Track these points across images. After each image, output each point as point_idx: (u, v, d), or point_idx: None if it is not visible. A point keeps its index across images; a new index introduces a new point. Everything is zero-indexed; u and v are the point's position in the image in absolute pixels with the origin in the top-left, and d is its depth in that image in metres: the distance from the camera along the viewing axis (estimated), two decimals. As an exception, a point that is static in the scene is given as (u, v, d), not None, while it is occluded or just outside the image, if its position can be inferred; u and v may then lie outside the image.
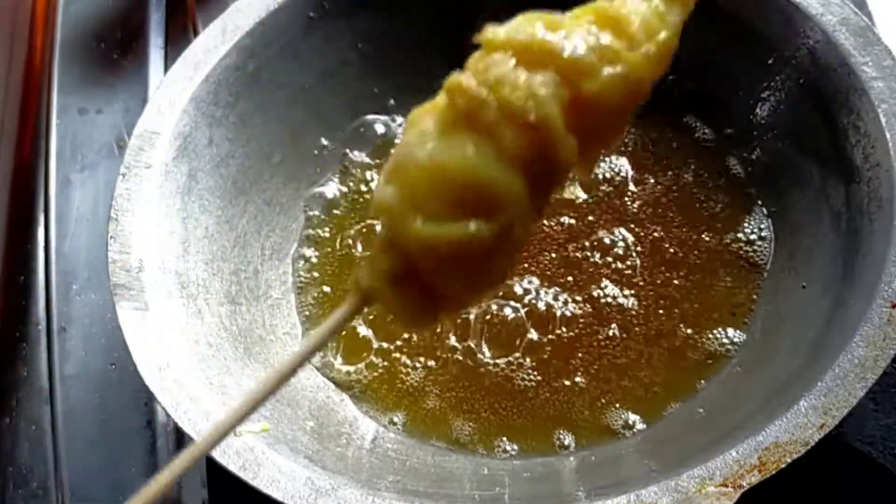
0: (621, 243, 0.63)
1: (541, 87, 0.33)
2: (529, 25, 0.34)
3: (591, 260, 0.63)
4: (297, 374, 0.35)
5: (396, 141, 0.70)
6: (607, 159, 0.67)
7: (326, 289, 0.64)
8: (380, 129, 0.70)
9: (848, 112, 0.56)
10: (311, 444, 0.52)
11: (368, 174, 0.69)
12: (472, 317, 0.61)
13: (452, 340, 0.60)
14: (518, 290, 0.61)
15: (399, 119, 0.71)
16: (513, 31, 0.34)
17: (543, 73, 0.33)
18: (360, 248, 0.65)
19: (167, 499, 0.61)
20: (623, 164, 0.67)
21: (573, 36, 0.34)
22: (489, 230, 0.32)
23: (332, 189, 0.68)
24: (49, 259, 0.71)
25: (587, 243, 0.63)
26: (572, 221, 0.64)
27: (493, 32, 0.34)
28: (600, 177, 0.66)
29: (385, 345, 0.61)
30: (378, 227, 0.66)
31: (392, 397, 0.59)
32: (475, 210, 0.32)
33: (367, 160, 0.69)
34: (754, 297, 0.60)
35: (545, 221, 0.64)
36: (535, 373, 0.59)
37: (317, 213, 0.67)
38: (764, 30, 0.61)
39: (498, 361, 0.59)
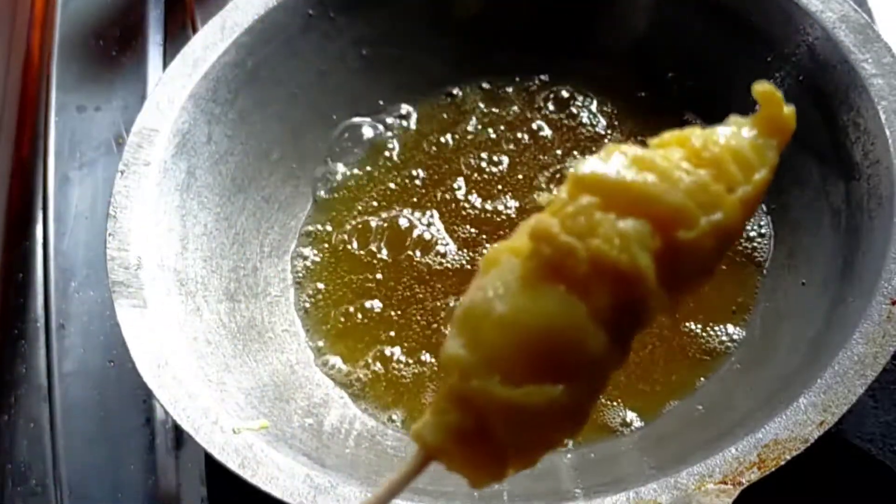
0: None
1: (634, 238, 0.30)
2: (620, 163, 0.31)
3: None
4: None
5: (392, 141, 0.70)
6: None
7: (325, 286, 0.64)
8: (380, 127, 0.70)
9: (848, 109, 0.56)
10: (310, 442, 0.52)
11: (367, 174, 0.69)
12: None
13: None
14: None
15: (397, 117, 0.70)
16: (602, 170, 0.31)
17: (636, 220, 0.30)
18: (355, 244, 0.65)
19: (167, 497, 0.61)
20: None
21: (669, 179, 0.31)
22: (573, 393, 0.30)
23: (332, 189, 0.68)
24: (48, 256, 0.71)
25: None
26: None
27: (583, 170, 0.31)
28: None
29: (385, 343, 0.61)
30: (374, 223, 0.66)
31: (391, 395, 0.59)
32: (559, 372, 0.30)
33: (367, 158, 0.69)
34: (754, 294, 0.60)
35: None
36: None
37: (317, 215, 0.67)
38: (764, 27, 0.61)
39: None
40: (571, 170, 0.31)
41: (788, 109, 0.34)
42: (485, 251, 0.63)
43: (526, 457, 0.32)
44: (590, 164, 0.31)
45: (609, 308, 0.30)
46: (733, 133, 0.33)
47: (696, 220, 0.31)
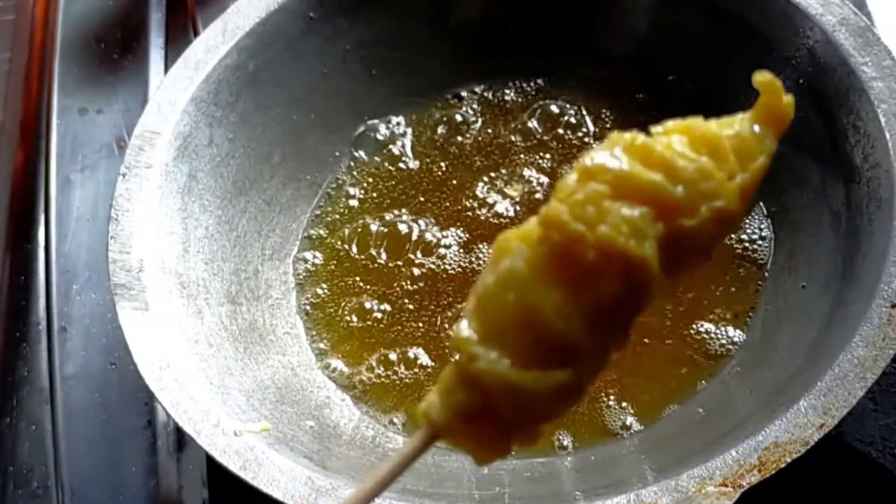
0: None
1: (640, 226, 0.31)
2: (626, 153, 0.32)
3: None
4: None
5: (392, 144, 0.70)
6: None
7: (327, 289, 0.64)
8: (380, 130, 0.70)
9: (847, 112, 0.56)
10: (312, 444, 0.52)
11: (368, 176, 0.69)
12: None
13: (452, 340, 0.60)
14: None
15: (398, 120, 0.71)
16: (609, 160, 0.32)
17: (641, 208, 0.31)
18: (356, 248, 0.65)
19: (169, 499, 0.61)
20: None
21: (672, 167, 0.32)
22: (576, 375, 0.31)
23: (333, 191, 0.68)
24: (49, 259, 0.71)
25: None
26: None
27: (590, 160, 0.32)
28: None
29: (386, 346, 0.61)
30: (374, 226, 0.66)
31: (392, 398, 0.59)
32: (564, 358, 0.31)
33: (368, 161, 0.69)
34: (754, 296, 0.60)
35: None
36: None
37: (318, 218, 0.67)
38: (764, 30, 0.61)
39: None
40: (579, 160, 0.33)
41: (787, 99, 0.35)
42: (484, 254, 0.63)
43: (529, 433, 0.34)
44: (597, 155, 0.32)
45: (615, 296, 0.31)
46: (733, 122, 0.35)
47: (697, 207, 0.32)
